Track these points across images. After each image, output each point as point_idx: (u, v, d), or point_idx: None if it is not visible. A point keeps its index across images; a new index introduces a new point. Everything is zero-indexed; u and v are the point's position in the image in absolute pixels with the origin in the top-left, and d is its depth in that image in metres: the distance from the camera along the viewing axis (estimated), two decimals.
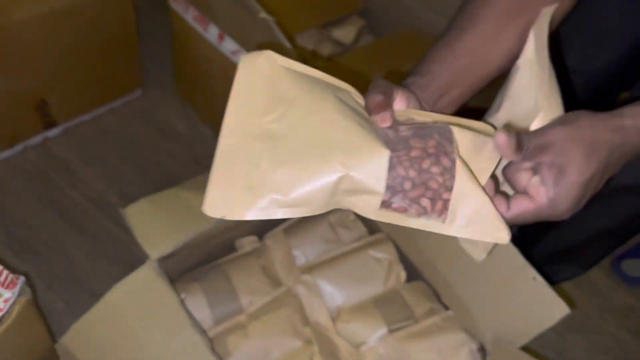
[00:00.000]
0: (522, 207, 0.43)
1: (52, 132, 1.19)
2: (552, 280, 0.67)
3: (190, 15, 1.09)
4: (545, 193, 0.42)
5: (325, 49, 1.26)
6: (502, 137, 0.41)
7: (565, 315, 0.65)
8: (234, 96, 0.44)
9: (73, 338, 0.75)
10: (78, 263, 1.02)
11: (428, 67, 0.53)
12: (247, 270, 0.86)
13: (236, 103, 0.44)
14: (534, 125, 0.47)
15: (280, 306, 0.83)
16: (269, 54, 0.45)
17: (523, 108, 0.49)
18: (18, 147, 1.16)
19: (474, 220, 0.41)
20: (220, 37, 1.04)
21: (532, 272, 0.67)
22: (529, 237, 1.01)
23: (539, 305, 0.67)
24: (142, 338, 0.72)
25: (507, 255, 0.69)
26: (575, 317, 1.10)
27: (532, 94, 0.48)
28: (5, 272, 0.66)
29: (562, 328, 1.08)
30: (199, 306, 0.82)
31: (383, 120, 0.43)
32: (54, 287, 0.99)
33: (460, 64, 0.52)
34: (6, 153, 1.14)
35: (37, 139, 1.18)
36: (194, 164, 1.22)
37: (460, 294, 0.77)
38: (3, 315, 0.65)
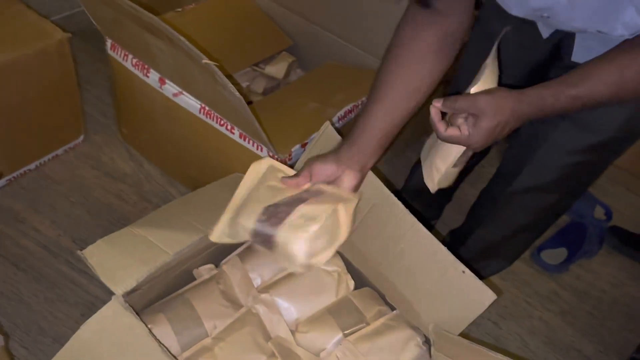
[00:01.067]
0: (452, 133, 0.70)
1: None
2: (481, 275, 0.77)
3: (129, 62, 1.14)
4: (466, 129, 0.69)
5: (260, 85, 1.35)
6: (436, 101, 0.70)
7: (493, 301, 0.75)
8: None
9: None
10: (38, 310, 1.03)
11: (354, 138, 0.79)
12: (208, 296, 0.91)
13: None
14: (473, 90, 0.74)
15: (242, 326, 0.88)
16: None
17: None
18: None
19: None
20: (162, 81, 1.10)
21: (461, 266, 0.77)
22: (457, 239, 1.12)
23: (470, 295, 0.77)
24: None
25: (440, 254, 0.79)
26: (507, 306, 1.22)
27: (482, 77, 0.76)
28: None
29: (496, 317, 1.20)
30: (166, 335, 0.85)
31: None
32: (15, 335, 0.99)
33: (381, 129, 0.78)
34: None
35: None
36: (143, 201, 1.25)
37: (403, 293, 0.85)
38: None
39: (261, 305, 0.90)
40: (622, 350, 1.18)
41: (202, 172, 1.20)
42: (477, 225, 1.06)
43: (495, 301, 0.75)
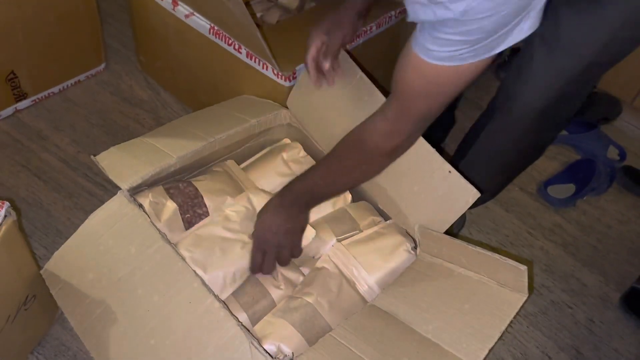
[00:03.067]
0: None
1: (23, 104, 1.25)
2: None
3: None
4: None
5: (274, 16, 1.35)
6: None
7: (476, 198, 0.76)
8: None
9: (56, 263, 0.82)
10: (56, 216, 1.09)
11: None
12: (212, 176, 0.94)
13: None
14: None
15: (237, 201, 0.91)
16: None
17: None
18: None
19: None
20: (174, 3, 1.12)
21: (447, 166, 0.78)
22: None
23: (455, 193, 0.78)
24: (118, 253, 0.79)
25: (428, 156, 0.80)
26: (508, 235, 1.22)
27: None
28: None
29: (496, 245, 1.20)
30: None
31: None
32: (35, 236, 1.05)
33: None
34: None
35: (8, 110, 1.24)
36: (159, 125, 1.29)
37: (393, 197, 0.87)
38: None
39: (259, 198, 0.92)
40: (622, 282, 1.17)
41: (212, 96, 1.23)
42: (461, 158, 1.06)
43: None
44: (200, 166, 0.99)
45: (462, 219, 1.20)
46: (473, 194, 0.76)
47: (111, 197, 1.14)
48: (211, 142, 0.94)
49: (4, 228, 0.72)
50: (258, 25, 0.96)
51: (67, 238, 1.05)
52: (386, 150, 0.77)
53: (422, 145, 0.80)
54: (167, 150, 0.93)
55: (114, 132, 1.26)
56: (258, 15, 1.35)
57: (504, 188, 1.24)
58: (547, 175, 1.35)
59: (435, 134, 1.29)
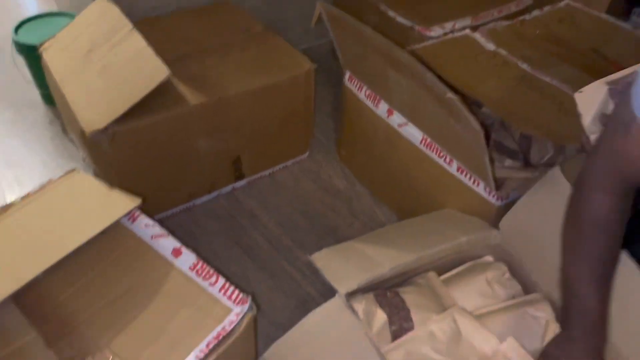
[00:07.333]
0: None
1: (240, 184, 1.38)
2: None
3: (363, 93, 1.24)
4: None
5: None
6: None
7: None
8: None
9: (273, 353, 0.86)
10: (259, 294, 1.16)
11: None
12: (418, 289, 0.93)
13: None
14: None
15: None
16: None
17: None
18: (214, 194, 1.35)
19: None
20: (389, 112, 1.18)
21: None
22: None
23: None
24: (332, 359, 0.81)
25: None
26: None
27: None
28: (237, 290, 0.80)
29: None
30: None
31: None
32: None
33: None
34: (204, 198, 1.34)
35: (227, 188, 1.37)
36: (352, 216, 1.33)
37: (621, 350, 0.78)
38: (234, 328, 0.77)
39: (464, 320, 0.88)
40: None
41: (410, 198, 1.24)
42: None
43: None
44: (402, 276, 0.99)
45: None
46: None
47: (308, 283, 1.18)
48: (421, 256, 0.94)
49: (245, 322, 0.78)
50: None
51: (267, 319, 1.10)
52: None
53: None
54: (379, 259, 0.95)
55: (312, 217, 1.32)
56: None
57: None
58: None
59: None
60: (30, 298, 0.77)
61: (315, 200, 1.37)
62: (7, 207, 0.87)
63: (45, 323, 0.75)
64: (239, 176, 1.36)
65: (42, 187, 0.90)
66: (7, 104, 1.56)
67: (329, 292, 1.16)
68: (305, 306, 1.12)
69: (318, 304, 1.11)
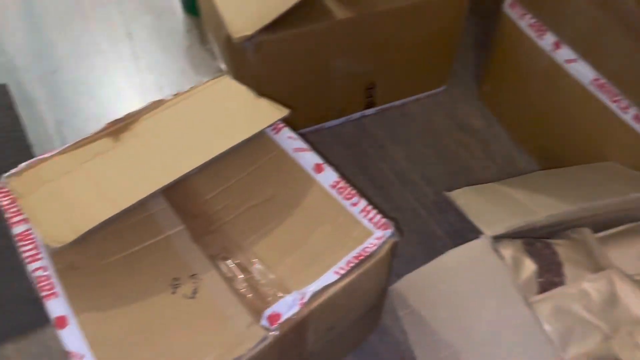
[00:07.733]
0: None
1: (369, 112, 1.32)
2: None
3: (525, 22, 1.10)
4: None
5: None
6: None
7: None
8: None
9: (406, 285, 0.82)
10: None
11: None
12: (572, 244, 0.83)
13: None
14: None
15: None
16: None
17: None
18: (342, 119, 1.31)
19: None
20: (556, 45, 1.03)
21: None
22: None
23: None
24: (472, 300, 0.75)
25: None
26: None
27: None
28: (379, 214, 0.76)
29: None
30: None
31: None
32: None
33: None
34: (333, 122, 1.30)
35: (356, 115, 1.31)
36: (487, 159, 1.23)
37: None
38: (374, 250, 0.73)
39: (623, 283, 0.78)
40: None
41: (561, 146, 1.11)
42: None
43: None
44: (555, 226, 0.89)
45: None
46: None
47: (436, 223, 1.12)
48: (584, 208, 0.84)
49: (386, 247, 0.74)
50: None
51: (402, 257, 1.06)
52: None
53: None
54: (531, 205, 0.85)
55: (444, 155, 1.24)
56: None
57: None
58: None
59: None
60: (178, 194, 0.78)
61: (447, 138, 1.28)
62: (158, 103, 0.88)
63: (192, 218, 0.76)
64: (370, 104, 1.30)
65: (192, 88, 0.89)
66: (147, 9, 1.59)
67: (456, 234, 1.10)
68: (427, 243, 1.07)
69: (443, 244, 1.05)
